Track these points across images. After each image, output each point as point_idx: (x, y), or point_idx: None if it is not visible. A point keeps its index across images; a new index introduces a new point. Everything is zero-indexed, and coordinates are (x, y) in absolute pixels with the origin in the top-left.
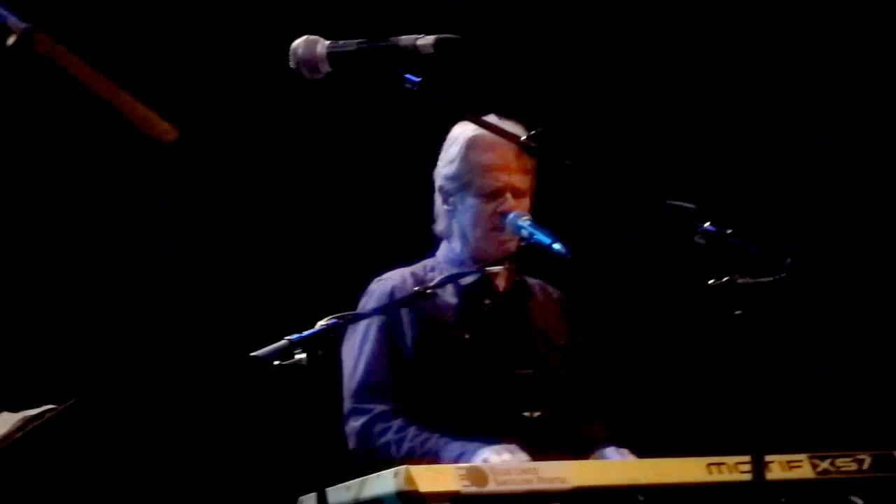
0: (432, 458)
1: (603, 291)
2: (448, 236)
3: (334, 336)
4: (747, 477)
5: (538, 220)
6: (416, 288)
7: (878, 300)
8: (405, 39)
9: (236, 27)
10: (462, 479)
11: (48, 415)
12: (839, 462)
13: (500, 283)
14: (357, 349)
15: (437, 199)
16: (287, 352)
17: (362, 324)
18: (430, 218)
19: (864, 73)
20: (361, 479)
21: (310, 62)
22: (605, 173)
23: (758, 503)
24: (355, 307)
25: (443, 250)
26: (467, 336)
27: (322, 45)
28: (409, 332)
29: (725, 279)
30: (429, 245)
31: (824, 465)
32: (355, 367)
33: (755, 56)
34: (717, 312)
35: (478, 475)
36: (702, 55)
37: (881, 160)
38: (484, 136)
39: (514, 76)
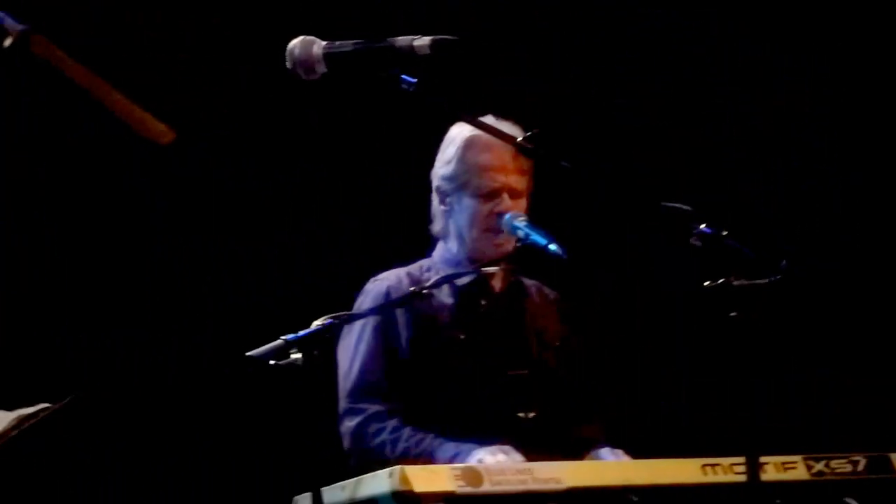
0: (427, 458)
1: (599, 292)
2: (444, 237)
3: (330, 336)
4: (742, 478)
5: (534, 220)
6: (412, 288)
7: (877, 300)
8: (402, 40)
9: (235, 28)
10: (457, 479)
11: (43, 413)
12: (834, 464)
13: (496, 284)
14: (352, 349)
15: (434, 199)
16: (283, 351)
17: (358, 324)
18: (427, 218)
19: (864, 73)
20: (356, 478)
21: (306, 63)
22: (601, 174)
23: None
24: (351, 307)
25: (439, 251)
26: (462, 336)
27: (318, 45)
28: (404, 333)
29: (721, 281)
30: (425, 245)
31: (819, 466)
32: (350, 367)
33: (755, 56)
34: (713, 314)
35: (473, 475)
36: (701, 55)
37: (881, 160)
38: (481, 136)
39: (511, 76)
